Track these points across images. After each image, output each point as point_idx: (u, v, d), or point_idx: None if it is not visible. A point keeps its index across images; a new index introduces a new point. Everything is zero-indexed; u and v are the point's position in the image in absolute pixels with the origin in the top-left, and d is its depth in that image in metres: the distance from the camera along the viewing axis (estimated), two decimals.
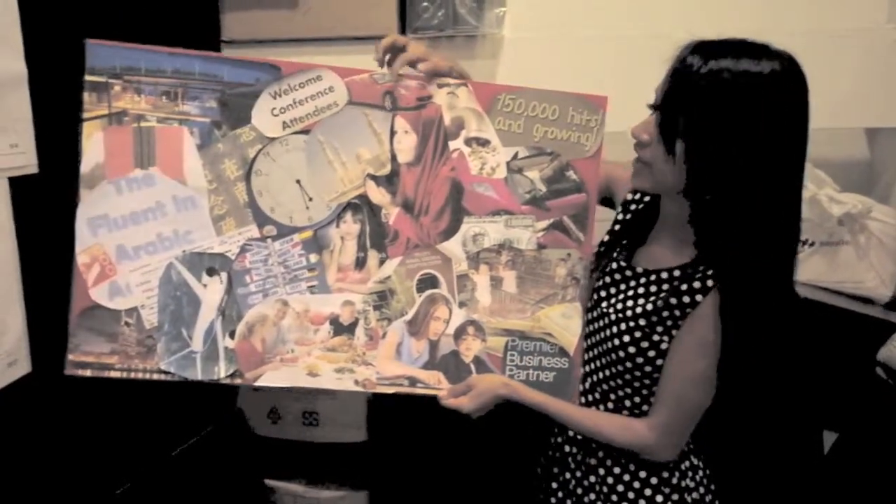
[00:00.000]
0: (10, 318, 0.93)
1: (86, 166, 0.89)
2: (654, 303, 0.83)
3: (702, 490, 0.92)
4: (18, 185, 0.93)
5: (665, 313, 0.82)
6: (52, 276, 0.95)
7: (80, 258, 0.90)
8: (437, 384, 0.95)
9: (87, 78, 0.88)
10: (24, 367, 0.96)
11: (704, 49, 0.75)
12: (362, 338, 0.95)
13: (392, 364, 0.95)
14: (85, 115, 0.89)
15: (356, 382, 0.95)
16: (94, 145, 0.89)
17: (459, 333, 0.96)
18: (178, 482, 1.30)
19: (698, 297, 0.80)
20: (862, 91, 1.17)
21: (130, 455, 1.19)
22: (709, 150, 0.74)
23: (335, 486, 1.49)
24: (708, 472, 0.94)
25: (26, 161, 0.93)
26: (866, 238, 1.15)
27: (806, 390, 1.14)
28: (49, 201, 0.96)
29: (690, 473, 0.91)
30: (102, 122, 0.89)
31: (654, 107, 0.79)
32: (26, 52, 0.92)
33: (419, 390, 0.95)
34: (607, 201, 1.02)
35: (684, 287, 0.81)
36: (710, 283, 0.79)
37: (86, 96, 0.88)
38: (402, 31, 1.32)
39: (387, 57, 0.91)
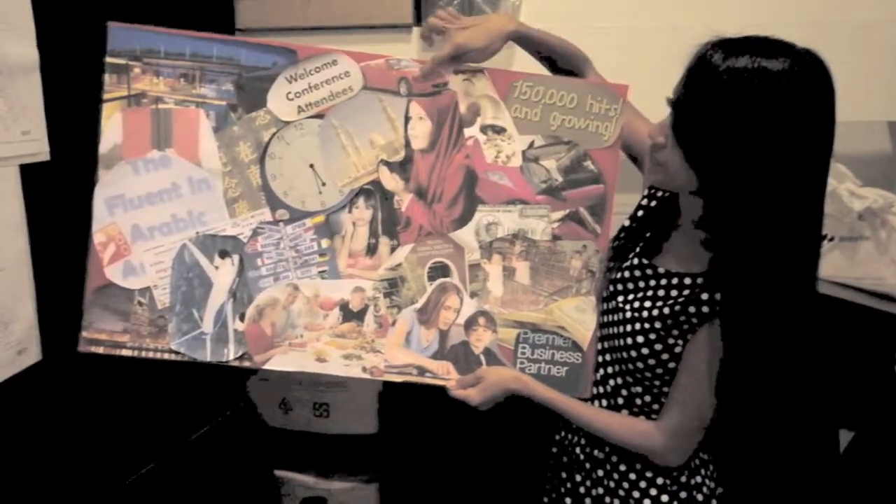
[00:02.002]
0: (21, 306, 0.95)
1: (104, 146, 0.93)
2: (671, 307, 0.82)
3: (712, 485, 0.91)
4: (30, 172, 0.94)
5: (682, 318, 0.81)
6: (63, 264, 0.97)
7: (97, 237, 0.93)
8: (445, 374, 0.96)
9: (108, 60, 0.91)
10: (34, 356, 0.97)
11: (722, 47, 0.73)
12: (371, 325, 0.96)
13: (401, 352, 0.96)
14: (105, 96, 0.92)
15: (364, 369, 0.96)
16: (112, 126, 0.92)
17: (470, 324, 0.96)
18: (188, 472, 1.32)
19: (718, 308, 0.79)
20: (885, 83, 1.15)
21: (139, 445, 1.21)
22: (724, 151, 0.72)
23: (345, 477, 1.50)
24: (717, 465, 0.93)
25: (38, 148, 0.94)
26: (887, 233, 1.13)
27: (822, 388, 1.12)
28: (61, 189, 0.98)
29: (702, 470, 0.91)
30: (121, 103, 0.92)
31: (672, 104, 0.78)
32: (39, 39, 0.93)
33: (427, 380, 0.96)
34: (630, 154, 1.00)
35: (705, 296, 0.80)
36: None
37: (106, 78, 0.92)
38: (418, 20, 1.33)
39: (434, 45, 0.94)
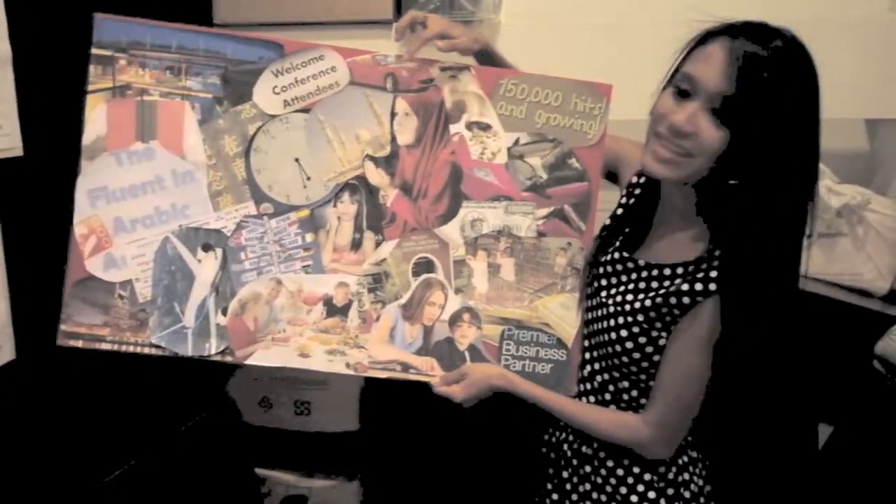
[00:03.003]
0: None
1: (88, 138, 0.93)
2: (653, 299, 0.84)
3: (700, 482, 0.93)
4: (2, 168, 0.94)
5: (664, 310, 0.83)
6: (37, 262, 0.98)
7: (78, 229, 0.94)
8: (430, 371, 0.98)
9: (94, 51, 0.92)
10: (7, 354, 0.98)
11: (754, 34, 0.76)
12: (355, 320, 0.97)
13: (385, 348, 0.98)
14: (90, 87, 0.93)
15: (347, 365, 0.97)
16: (96, 117, 0.93)
17: (454, 320, 0.98)
18: (168, 471, 1.32)
19: (699, 298, 0.81)
20: (862, 81, 1.19)
21: (117, 444, 1.22)
22: (775, 132, 0.75)
23: (327, 475, 1.52)
24: (707, 464, 0.95)
25: (11, 144, 0.94)
26: (864, 230, 1.18)
27: (802, 383, 1.16)
28: (34, 185, 0.98)
29: (690, 468, 0.93)
30: (106, 94, 0.93)
31: (685, 92, 0.78)
32: (12, 34, 0.93)
33: (412, 376, 0.98)
34: (611, 176, 1.02)
35: (685, 287, 0.82)
36: (712, 286, 0.80)
37: (91, 69, 0.93)
38: (398, 15, 1.35)
39: (406, 35, 0.95)
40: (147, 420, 1.29)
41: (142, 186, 0.94)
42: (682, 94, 0.79)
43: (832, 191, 1.15)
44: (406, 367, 0.98)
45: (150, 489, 1.28)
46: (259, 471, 1.53)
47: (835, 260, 1.19)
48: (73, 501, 1.12)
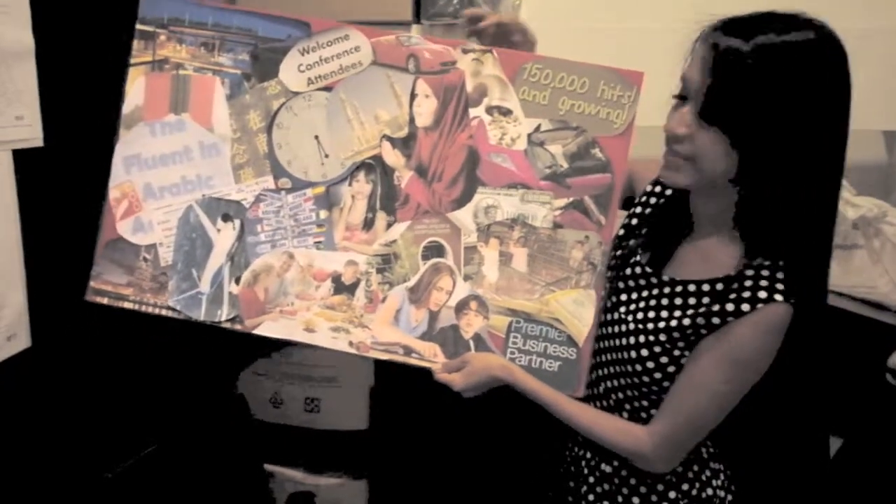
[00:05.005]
0: (11, 292, 1.05)
1: (127, 108, 1.08)
2: (679, 319, 0.86)
3: (723, 494, 0.95)
4: (23, 157, 1.02)
5: (690, 331, 0.85)
6: (55, 250, 1.08)
7: (112, 193, 1.08)
8: (432, 357, 1.03)
9: (138, 27, 1.08)
10: (23, 342, 1.08)
11: (739, 27, 0.79)
12: (362, 299, 1.05)
13: (389, 330, 1.05)
14: (132, 60, 1.08)
15: (350, 344, 1.05)
16: (136, 89, 1.08)
17: (461, 307, 1.04)
18: (177, 464, 1.41)
19: (729, 319, 0.82)
20: (881, 92, 1.21)
21: (128, 436, 1.30)
22: (769, 129, 0.77)
23: (335, 473, 1.59)
24: (729, 473, 0.96)
25: (31, 134, 1.04)
26: (881, 242, 1.22)
27: (814, 394, 1.16)
28: (53, 175, 1.08)
29: (714, 482, 0.94)
30: (146, 67, 1.08)
31: (682, 97, 0.82)
32: (35, 25, 1.02)
33: (413, 360, 1.04)
34: (627, 201, 1.05)
35: (716, 307, 0.83)
36: (744, 306, 0.81)
37: (135, 43, 1.08)
38: (417, 17, 1.46)
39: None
40: (157, 413, 1.36)
41: (171, 156, 1.08)
42: (682, 99, 0.82)
43: (849, 203, 1.21)
44: (408, 351, 1.04)
45: (159, 482, 1.36)
46: (268, 467, 1.62)
47: (850, 272, 1.23)
48: (82, 492, 1.21)
